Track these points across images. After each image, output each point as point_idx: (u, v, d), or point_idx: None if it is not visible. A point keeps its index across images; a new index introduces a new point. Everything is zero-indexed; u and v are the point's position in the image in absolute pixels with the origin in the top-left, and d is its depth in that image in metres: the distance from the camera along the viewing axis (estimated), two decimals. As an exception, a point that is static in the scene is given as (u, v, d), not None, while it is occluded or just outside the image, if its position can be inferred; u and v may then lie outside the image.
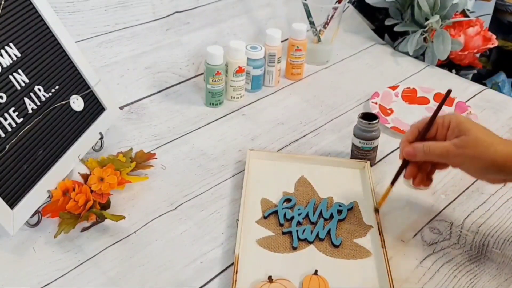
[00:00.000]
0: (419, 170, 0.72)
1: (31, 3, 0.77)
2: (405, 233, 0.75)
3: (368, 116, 0.84)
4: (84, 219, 0.71)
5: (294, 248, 0.70)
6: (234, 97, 1.03)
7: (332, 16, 1.14)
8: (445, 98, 0.70)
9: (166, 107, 1.00)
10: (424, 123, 0.71)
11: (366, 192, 0.80)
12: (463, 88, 1.12)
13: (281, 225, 0.74)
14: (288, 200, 0.78)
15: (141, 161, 0.84)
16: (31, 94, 0.74)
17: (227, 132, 0.95)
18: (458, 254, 0.72)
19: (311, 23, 1.15)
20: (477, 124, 0.68)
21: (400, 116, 1.02)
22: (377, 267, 0.68)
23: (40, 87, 0.75)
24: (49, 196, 0.73)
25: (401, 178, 0.83)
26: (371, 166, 0.86)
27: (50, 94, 0.77)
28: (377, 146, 0.86)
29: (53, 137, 0.76)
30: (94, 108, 0.84)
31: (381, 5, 1.28)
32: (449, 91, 0.70)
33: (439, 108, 0.70)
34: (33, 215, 0.71)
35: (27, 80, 0.74)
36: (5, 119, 0.69)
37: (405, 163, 0.72)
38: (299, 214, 0.75)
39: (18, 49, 0.74)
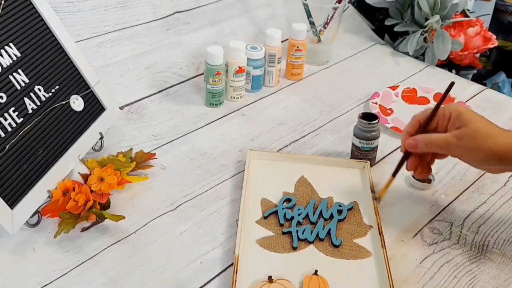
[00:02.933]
0: (420, 161, 0.73)
1: (31, 3, 0.77)
2: (405, 233, 0.75)
3: (368, 116, 0.84)
4: (84, 219, 0.71)
5: (294, 248, 0.70)
6: (234, 97, 1.03)
7: (332, 16, 1.14)
8: (447, 91, 0.71)
9: (166, 107, 1.00)
10: (425, 115, 0.72)
11: (366, 192, 0.80)
12: (463, 88, 1.12)
13: (281, 225, 0.74)
14: (288, 200, 0.78)
15: (141, 161, 0.84)
16: (31, 94, 0.74)
17: (227, 132, 0.95)
18: (458, 254, 0.72)
19: (311, 23, 1.15)
20: (478, 115, 0.68)
21: (400, 116, 1.02)
22: (377, 267, 0.68)
23: (40, 87, 0.75)
24: (49, 196, 0.73)
25: (402, 177, 0.84)
26: (371, 166, 0.86)
27: (50, 94, 0.77)
28: (377, 146, 0.86)
29: (53, 137, 0.75)
30: (94, 108, 0.84)
31: (381, 5, 1.28)
32: (452, 84, 0.71)
33: (441, 101, 0.71)
34: (33, 215, 0.71)
35: (27, 80, 0.74)
36: (5, 119, 0.69)
37: (406, 155, 0.73)
38: (299, 214, 0.75)
39: (18, 49, 0.73)
